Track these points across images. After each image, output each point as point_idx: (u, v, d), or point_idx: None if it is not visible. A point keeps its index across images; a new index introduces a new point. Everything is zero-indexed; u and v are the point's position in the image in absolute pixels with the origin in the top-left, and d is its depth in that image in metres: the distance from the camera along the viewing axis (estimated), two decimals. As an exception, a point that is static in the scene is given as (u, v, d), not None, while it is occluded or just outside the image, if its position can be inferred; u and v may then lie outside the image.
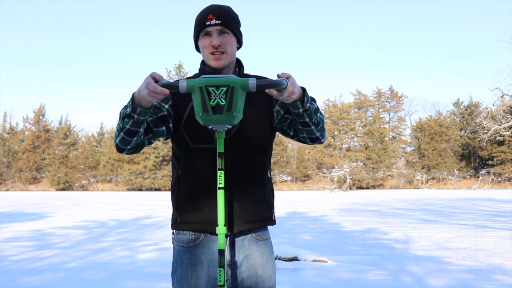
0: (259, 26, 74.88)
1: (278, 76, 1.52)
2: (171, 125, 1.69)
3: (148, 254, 6.96)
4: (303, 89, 1.59)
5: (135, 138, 1.60)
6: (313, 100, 1.65)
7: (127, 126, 1.55)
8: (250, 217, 1.70)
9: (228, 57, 1.69)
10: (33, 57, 77.29)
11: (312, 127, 1.69)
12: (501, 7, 67.49)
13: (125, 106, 1.57)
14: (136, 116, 1.52)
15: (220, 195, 1.53)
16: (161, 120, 1.67)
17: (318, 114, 1.69)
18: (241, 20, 1.77)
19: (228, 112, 1.44)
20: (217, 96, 1.43)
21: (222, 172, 1.53)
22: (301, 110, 1.61)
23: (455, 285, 4.87)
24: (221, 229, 1.52)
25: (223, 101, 1.43)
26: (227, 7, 1.72)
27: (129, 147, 1.63)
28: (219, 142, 1.54)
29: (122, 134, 1.58)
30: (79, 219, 13.40)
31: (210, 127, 1.50)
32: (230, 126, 1.50)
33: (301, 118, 1.65)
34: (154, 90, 1.43)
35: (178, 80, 1.47)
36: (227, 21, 1.67)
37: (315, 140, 1.76)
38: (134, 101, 1.52)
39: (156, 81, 1.46)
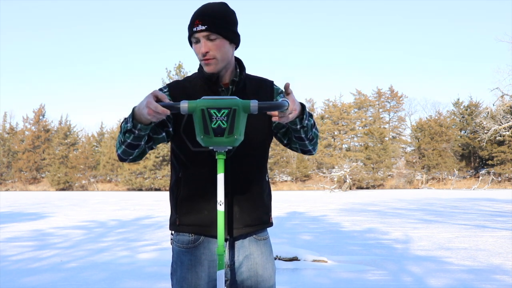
0: (259, 26, 74.95)
1: (285, 85, 1.51)
2: (170, 129, 1.69)
3: (148, 254, 6.96)
4: (302, 106, 1.59)
5: (136, 150, 1.61)
6: (310, 116, 1.66)
7: (128, 141, 1.57)
8: (249, 222, 1.70)
9: (219, 62, 1.64)
10: (33, 57, 77.40)
11: (306, 142, 1.72)
12: (501, 7, 67.54)
13: (125, 120, 1.57)
14: (137, 131, 1.53)
15: (220, 216, 1.50)
16: (160, 126, 1.66)
17: (314, 130, 1.70)
18: (239, 19, 1.72)
19: (229, 135, 1.43)
20: (218, 118, 1.42)
21: (222, 194, 1.51)
22: (298, 127, 1.62)
23: (455, 285, 4.87)
24: (221, 249, 1.51)
25: (225, 123, 1.43)
26: (217, 7, 1.64)
27: (131, 157, 1.64)
28: (219, 164, 1.51)
29: (123, 147, 1.59)
30: (79, 219, 13.40)
31: (210, 148, 1.48)
32: (231, 147, 1.49)
33: (297, 133, 1.66)
34: (155, 109, 1.42)
35: (179, 102, 1.45)
36: (214, 25, 1.60)
37: (306, 152, 1.79)
38: (134, 117, 1.51)
39: (158, 100, 1.45)
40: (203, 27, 1.60)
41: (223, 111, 1.42)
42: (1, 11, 71.54)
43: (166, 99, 1.46)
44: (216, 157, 1.51)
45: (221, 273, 1.51)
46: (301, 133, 1.66)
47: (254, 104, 1.43)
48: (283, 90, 1.78)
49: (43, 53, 76.59)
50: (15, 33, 74.99)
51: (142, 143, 1.59)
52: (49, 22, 75.86)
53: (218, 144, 1.45)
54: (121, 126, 1.58)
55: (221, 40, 1.63)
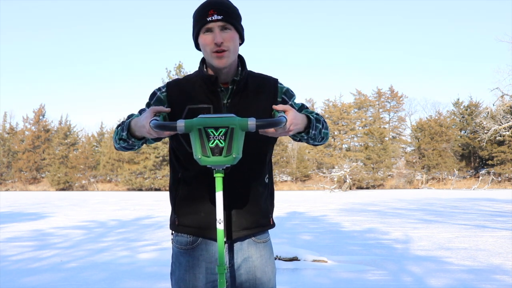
0: (259, 26, 74.91)
1: (275, 109, 1.51)
2: None
3: (148, 254, 6.96)
4: (308, 119, 1.58)
5: (130, 150, 1.68)
6: (318, 121, 1.63)
7: (123, 145, 1.62)
8: (246, 225, 1.68)
9: (231, 54, 1.61)
10: (33, 57, 77.36)
11: (316, 143, 1.72)
12: (501, 7, 67.53)
13: (121, 127, 1.60)
14: (130, 142, 1.59)
15: (220, 234, 1.50)
16: None
17: (324, 131, 1.67)
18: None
19: (227, 154, 1.42)
20: (216, 137, 1.41)
21: (221, 212, 1.51)
22: (305, 137, 1.63)
23: (455, 285, 4.87)
24: (222, 268, 1.51)
25: (222, 142, 1.42)
26: (227, 1, 1.65)
27: (126, 152, 1.73)
28: (218, 182, 1.50)
29: (118, 146, 1.65)
30: (79, 219, 13.40)
31: (208, 166, 1.48)
32: (229, 165, 1.48)
33: (304, 140, 1.67)
34: (149, 132, 1.48)
35: (176, 121, 1.47)
36: (229, 16, 1.60)
37: (317, 145, 1.78)
38: (129, 129, 1.56)
39: (156, 112, 1.50)
40: (219, 17, 1.58)
41: (220, 130, 1.41)
42: (1, 11, 71.60)
43: (164, 109, 1.52)
44: (214, 175, 1.50)
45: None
46: (308, 140, 1.66)
47: (252, 122, 1.41)
48: (288, 89, 1.77)
49: (43, 53, 76.66)
50: (15, 33, 75.05)
51: (136, 147, 1.66)
52: (49, 22, 75.92)
53: (216, 163, 1.45)
54: (117, 127, 1.61)
55: (234, 32, 1.62)
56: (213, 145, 1.42)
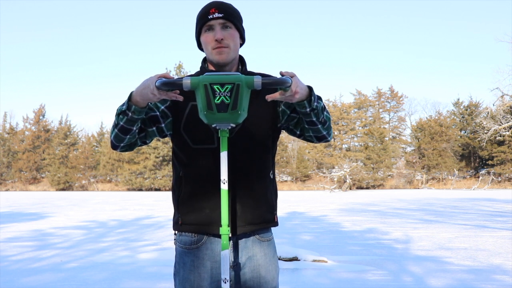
0: (259, 26, 74.92)
1: (281, 74, 1.50)
2: (163, 125, 1.69)
3: (148, 254, 6.96)
4: (310, 88, 1.57)
5: (128, 136, 1.62)
6: (319, 98, 1.64)
7: (121, 123, 1.58)
8: (251, 219, 1.68)
9: (231, 51, 1.66)
10: (33, 57, 77.31)
11: (319, 126, 1.67)
12: (501, 7, 67.54)
13: (122, 103, 1.59)
14: (130, 114, 1.55)
15: (224, 195, 1.51)
16: (152, 121, 1.67)
17: (325, 113, 1.67)
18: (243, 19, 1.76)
19: (233, 110, 1.43)
20: (222, 94, 1.42)
21: (226, 172, 1.52)
22: (308, 110, 1.59)
23: (455, 285, 4.87)
24: (225, 229, 1.51)
25: (228, 99, 1.42)
26: (228, 3, 1.72)
27: (122, 144, 1.65)
28: (223, 141, 1.52)
29: (116, 130, 1.61)
30: (79, 219, 13.40)
31: (213, 125, 1.49)
32: (234, 125, 1.49)
33: (308, 118, 1.63)
34: (153, 93, 1.46)
35: (182, 78, 1.46)
36: (230, 15, 1.66)
37: (321, 138, 1.74)
38: (130, 99, 1.54)
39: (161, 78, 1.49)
40: (220, 15, 1.64)
41: (226, 86, 1.42)
42: (1, 11, 71.60)
43: (169, 76, 1.49)
44: (219, 135, 1.52)
45: (225, 253, 1.51)
46: (312, 117, 1.62)
47: (257, 79, 1.43)
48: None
49: (43, 53, 76.61)
50: (15, 33, 75.04)
51: (134, 128, 1.60)
52: (49, 22, 75.90)
53: (221, 120, 1.45)
54: (117, 109, 1.60)
55: (234, 31, 1.68)
56: (219, 101, 1.43)
